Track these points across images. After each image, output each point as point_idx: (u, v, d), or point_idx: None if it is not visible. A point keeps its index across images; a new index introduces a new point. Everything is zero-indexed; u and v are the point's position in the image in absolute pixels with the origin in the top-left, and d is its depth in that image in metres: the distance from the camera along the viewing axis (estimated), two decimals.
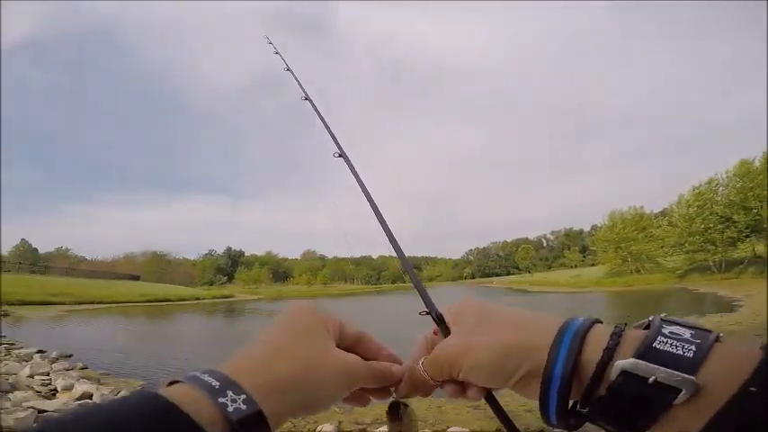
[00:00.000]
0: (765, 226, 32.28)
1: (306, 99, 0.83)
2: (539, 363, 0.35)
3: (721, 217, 35.37)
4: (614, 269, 49.18)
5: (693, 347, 0.29)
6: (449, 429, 4.82)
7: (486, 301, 0.44)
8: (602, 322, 0.37)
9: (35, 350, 9.86)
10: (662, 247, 43.53)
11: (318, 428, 5.17)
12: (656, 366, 0.29)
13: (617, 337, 0.32)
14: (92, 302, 31.13)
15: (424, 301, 0.52)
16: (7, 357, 9.01)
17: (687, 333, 0.31)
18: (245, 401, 0.30)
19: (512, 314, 0.41)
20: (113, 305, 31.61)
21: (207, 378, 0.31)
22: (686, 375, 0.27)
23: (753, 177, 33.40)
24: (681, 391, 0.28)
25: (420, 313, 0.51)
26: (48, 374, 7.51)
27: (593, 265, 75.39)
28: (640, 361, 0.29)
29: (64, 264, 71.22)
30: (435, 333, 0.47)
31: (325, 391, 0.38)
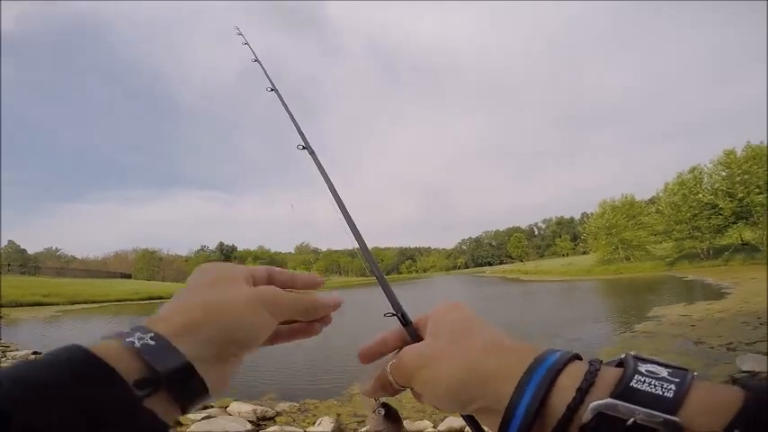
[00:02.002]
0: (752, 212, 32.93)
1: (272, 90, 0.82)
2: (500, 397, 0.32)
3: (707, 204, 36.02)
4: (605, 257, 49.69)
5: (673, 387, 0.27)
6: (447, 418, 4.92)
7: (469, 310, 0.42)
8: (581, 358, 0.33)
9: (30, 352, 9.87)
10: (652, 234, 44.19)
11: (317, 421, 5.25)
12: (635, 407, 0.26)
13: (591, 376, 0.29)
14: (84, 302, 30.86)
15: (390, 302, 0.48)
16: (3, 360, 8.99)
17: (664, 372, 0.29)
18: (152, 338, 0.31)
19: (488, 336, 0.37)
20: (106, 304, 31.36)
21: (123, 330, 0.32)
22: (669, 416, 0.25)
23: (739, 165, 34.01)
24: None
25: (385, 315, 0.47)
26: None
27: (584, 253, 76.33)
28: (618, 401, 0.27)
29: (54, 264, 70.41)
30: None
31: (244, 322, 0.37)
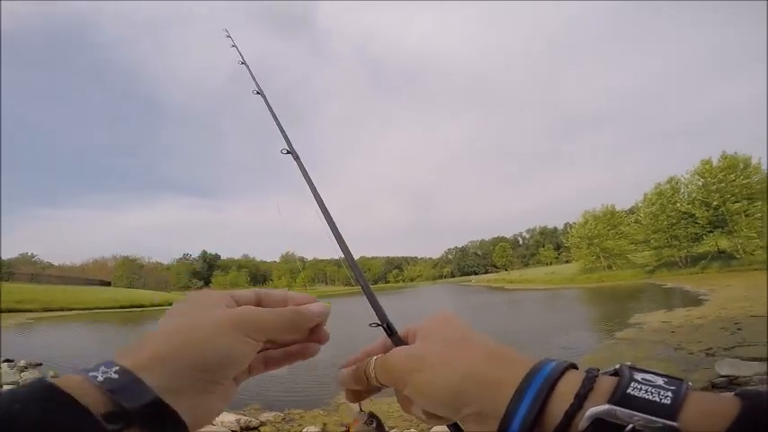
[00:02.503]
0: (727, 221, 33.96)
1: (258, 93, 0.81)
2: (497, 404, 0.31)
3: (684, 213, 37.09)
4: (587, 266, 50.51)
5: (670, 394, 0.27)
6: (433, 428, 4.89)
7: (461, 320, 0.41)
8: (576, 367, 0.33)
9: (2, 359, 9.58)
10: (632, 243, 45.23)
11: (303, 431, 5.16)
12: (633, 413, 0.26)
13: (589, 383, 0.29)
14: (60, 309, 29.96)
15: (375, 312, 0.47)
16: None
17: (660, 380, 0.29)
18: (117, 372, 0.30)
19: (485, 344, 0.37)
20: (83, 312, 30.48)
21: (89, 365, 0.31)
22: (668, 422, 0.25)
23: (714, 174, 35.13)
24: None
25: (370, 325, 0.46)
26: (17, 384, 7.28)
27: (567, 261, 77.44)
28: (617, 407, 0.27)
29: (29, 270, 68.11)
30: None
31: (215, 347, 0.35)
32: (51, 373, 8.51)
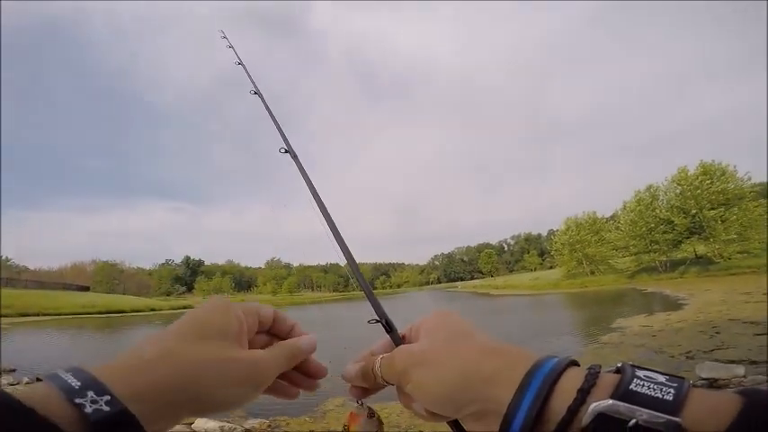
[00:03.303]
0: (704, 227, 34.89)
1: (255, 93, 0.82)
2: (500, 400, 0.32)
3: (662, 220, 38.01)
4: (571, 271, 51.36)
5: (672, 390, 0.28)
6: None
7: (462, 318, 0.42)
8: (578, 364, 0.33)
9: None
10: (613, 249, 46.19)
11: None
12: (637, 408, 0.26)
13: (592, 378, 0.30)
14: (37, 314, 29.06)
15: (374, 309, 0.49)
16: None
17: (661, 377, 0.29)
18: (108, 403, 0.27)
19: (485, 341, 0.37)
20: (61, 317, 29.63)
21: (68, 377, 0.28)
22: (671, 417, 0.25)
23: (691, 182, 36.14)
24: None
25: (369, 321, 0.48)
26: None
27: (551, 267, 78.49)
28: (620, 402, 0.27)
29: (4, 274, 65.82)
30: (403, 338, 0.45)
31: (222, 392, 0.35)
32: (26, 380, 8.22)
